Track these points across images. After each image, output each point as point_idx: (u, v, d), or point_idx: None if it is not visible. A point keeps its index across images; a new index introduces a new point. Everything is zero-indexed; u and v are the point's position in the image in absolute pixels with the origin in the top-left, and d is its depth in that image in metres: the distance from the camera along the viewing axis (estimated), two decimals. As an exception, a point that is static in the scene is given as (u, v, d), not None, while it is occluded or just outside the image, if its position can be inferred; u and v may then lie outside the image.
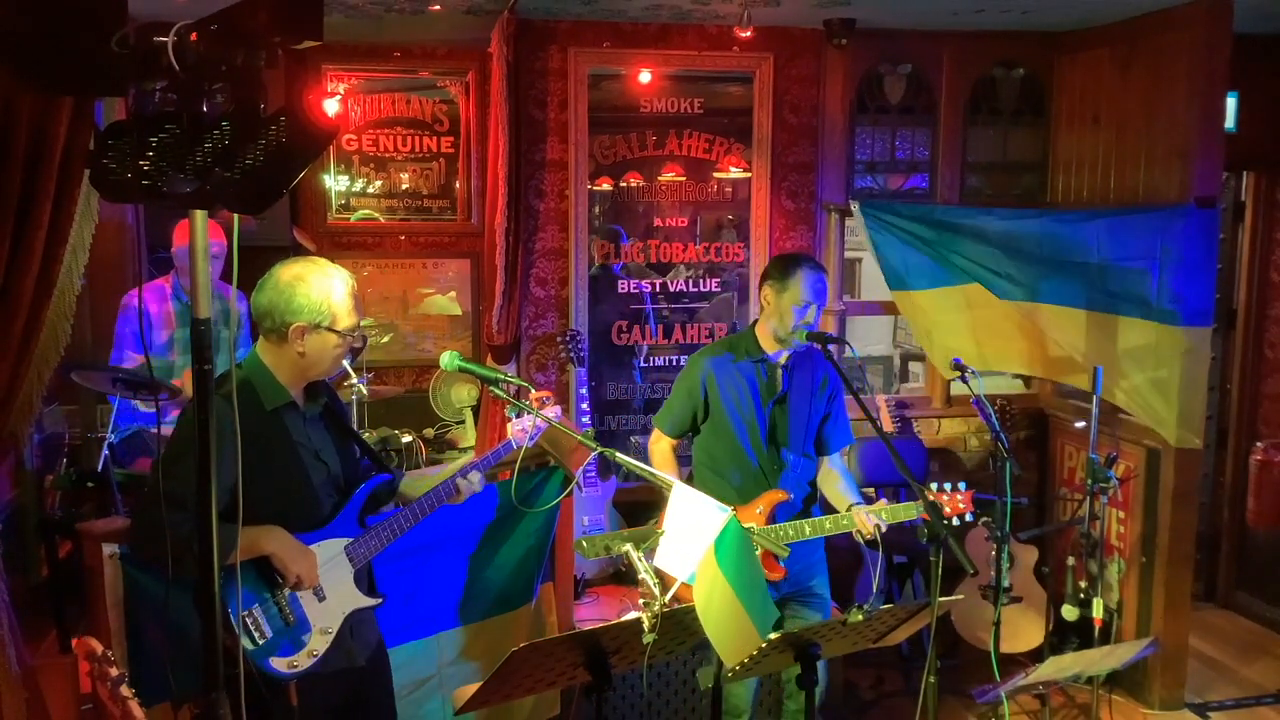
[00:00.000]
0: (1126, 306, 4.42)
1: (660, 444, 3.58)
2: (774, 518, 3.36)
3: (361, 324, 2.63)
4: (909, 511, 3.28)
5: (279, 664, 2.49)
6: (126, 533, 2.76)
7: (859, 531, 3.30)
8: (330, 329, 2.52)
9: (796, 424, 3.45)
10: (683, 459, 3.71)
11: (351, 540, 2.64)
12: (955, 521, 3.38)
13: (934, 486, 3.41)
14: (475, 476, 2.84)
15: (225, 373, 2.42)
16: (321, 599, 2.57)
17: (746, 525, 3.23)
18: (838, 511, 3.41)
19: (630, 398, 5.24)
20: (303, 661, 2.53)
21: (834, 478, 3.53)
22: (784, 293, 3.35)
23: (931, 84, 5.16)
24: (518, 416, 2.93)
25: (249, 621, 2.46)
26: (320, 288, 2.51)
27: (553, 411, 2.86)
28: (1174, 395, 4.32)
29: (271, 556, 2.46)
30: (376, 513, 2.79)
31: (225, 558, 2.15)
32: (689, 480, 3.50)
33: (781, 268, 3.41)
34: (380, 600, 2.71)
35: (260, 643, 2.46)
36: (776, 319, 3.38)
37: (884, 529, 3.27)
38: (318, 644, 2.55)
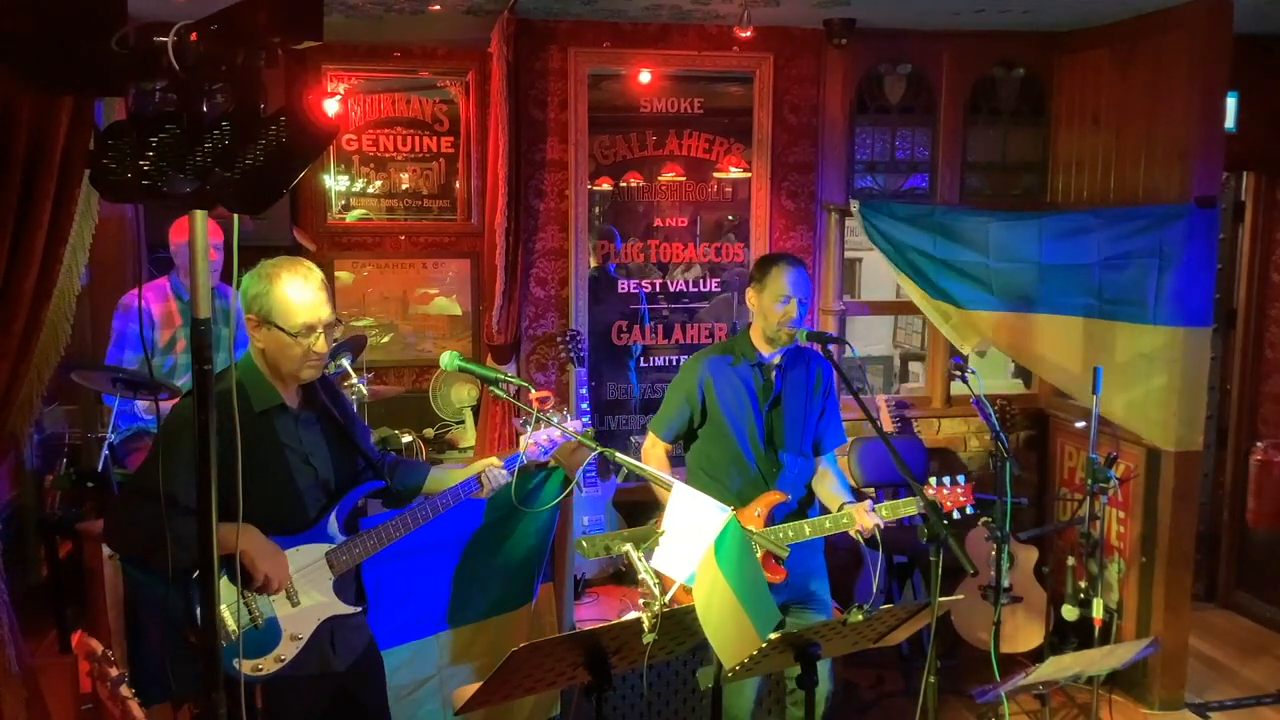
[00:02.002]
0: (1125, 311, 4.42)
1: (656, 449, 3.55)
2: (772, 519, 3.36)
3: (333, 326, 2.56)
4: (909, 507, 3.26)
5: (243, 665, 2.46)
6: (102, 528, 2.72)
7: (859, 530, 3.29)
8: (276, 325, 2.48)
9: (793, 424, 3.44)
10: (674, 459, 3.69)
11: (334, 546, 2.62)
12: (956, 515, 3.38)
13: (934, 481, 3.41)
14: (499, 473, 2.85)
15: (222, 370, 2.42)
16: (295, 604, 2.54)
17: (745, 527, 3.25)
18: (829, 513, 3.40)
19: (630, 398, 5.24)
20: (268, 666, 2.49)
21: (828, 478, 3.52)
22: (764, 291, 3.38)
23: (931, 84, 5.16)
24: (533, 429, 2.86)
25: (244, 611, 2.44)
26: (268, 282, 2.48)
27: (575, 424, 2.85)
28: (1174, 398, 4.32)
29: (241, 554, 2.42)
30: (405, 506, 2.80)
31: (183, 556, 2.17)
32: None
33: (760, 267, 3.46)
34: (362, 609, 2.69)
35: (224, 643, 2.40)
36: (762, 318, 3.41)
37: (883, 526, 3.27)
38: (286, 650, 2.52)
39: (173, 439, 2.39)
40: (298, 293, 2.48)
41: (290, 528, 2.55)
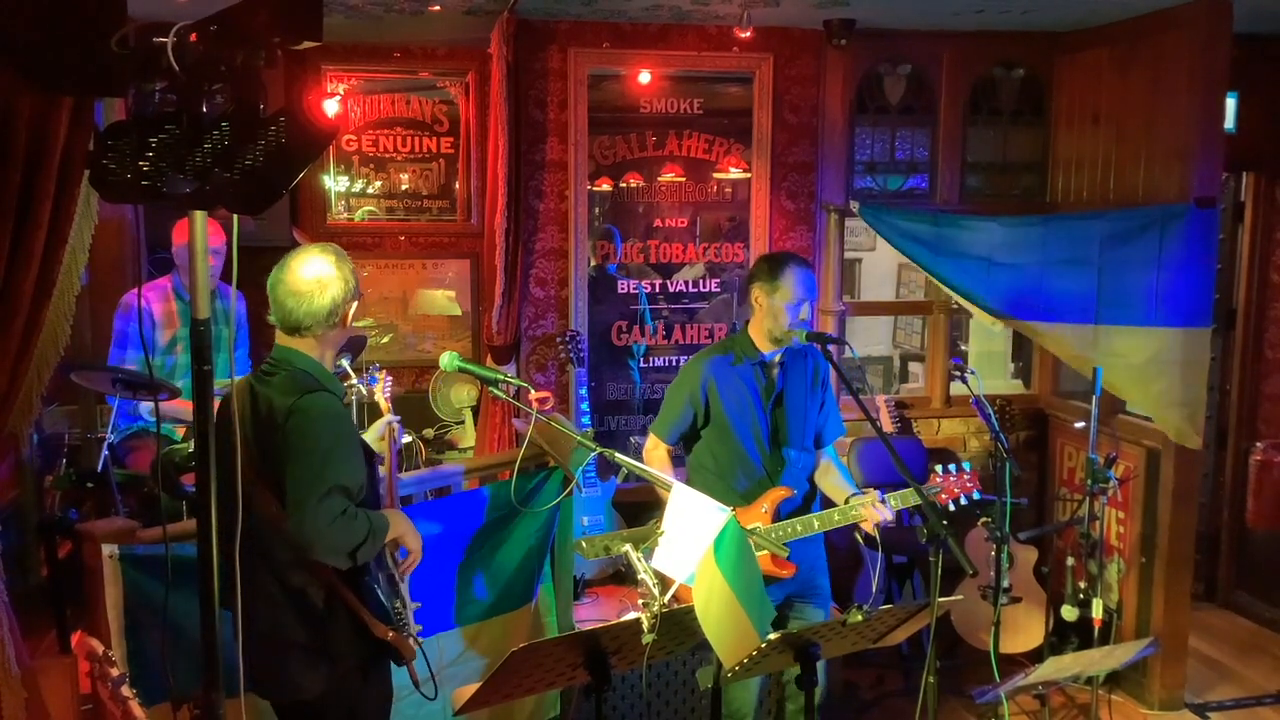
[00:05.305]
0: (1126, 314, 4.42)
1: (658, 450, 3.54)
2: (778, 515, 3.36)
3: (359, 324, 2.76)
4: (918, 496, 3.25)
5: (411, 633, 2.67)
6: (341, 539, 2.46)
7: (861, 527, 3.29)
8: (359, 296, 2.66)
9: (795, 420, 3.44)
10: (675, 460, 3.68)
11: None
12: (963, 501, 3.39)
13: (939, 469, 3.42)
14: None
15: (310, 373, 2.54)
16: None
17: (752, 525, 3.25)
18: (835, 506, 3.40)
19: (632, 398, 5.24)
20: (414, 632, 2.70)
21: (830, 471, 3.52)
22: (775, 293, 3.35)
23: (931, 84, 5.15)
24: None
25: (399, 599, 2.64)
26: (346, 265, 2.59)
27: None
28: (1175, 397, 4.32)
29: (401, 536, 2.63)
30: None
31: (379, 543, 2.52)
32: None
33: (770, 267, 3.41)
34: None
35: (404, 615, 2.64)
36: (771, 319, 3.38)
37: (890, 516, 3.25)
38: (412, 612, 2.72)
39: (339, 434, 2.47)
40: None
41: (375, 505, 2.70)
